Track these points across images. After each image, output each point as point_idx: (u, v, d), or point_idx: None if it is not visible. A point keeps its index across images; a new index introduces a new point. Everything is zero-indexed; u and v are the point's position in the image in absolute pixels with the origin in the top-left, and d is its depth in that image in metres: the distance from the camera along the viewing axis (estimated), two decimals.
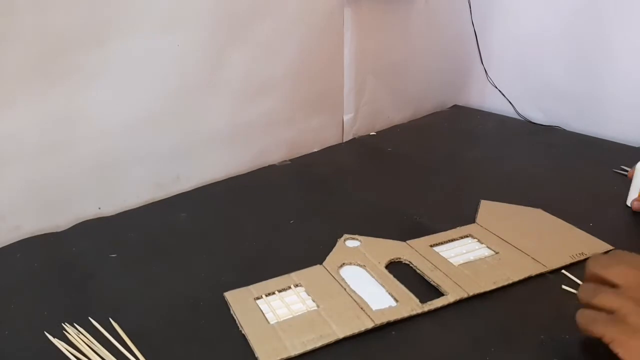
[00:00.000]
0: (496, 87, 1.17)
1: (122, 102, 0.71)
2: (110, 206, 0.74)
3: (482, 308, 0.53)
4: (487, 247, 0.63)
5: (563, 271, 0.58)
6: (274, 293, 0.55)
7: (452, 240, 0.64)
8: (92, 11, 0.65)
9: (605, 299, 0.42)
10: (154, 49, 0.71)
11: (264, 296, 0.54)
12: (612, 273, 0.43)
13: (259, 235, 0.67)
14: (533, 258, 0.60)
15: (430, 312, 0.52)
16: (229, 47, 0.79)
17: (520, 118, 1.14)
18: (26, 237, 0.67)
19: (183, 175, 0.81)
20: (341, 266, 0.60)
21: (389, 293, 0.55)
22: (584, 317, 0.43)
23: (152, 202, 0.77)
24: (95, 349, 0.48)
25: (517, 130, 1.07)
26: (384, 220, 0.70)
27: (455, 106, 1.21)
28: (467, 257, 0.61)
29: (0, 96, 0.62)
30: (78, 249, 0.65)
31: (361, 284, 0.56)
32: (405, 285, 0.56)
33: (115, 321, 0.51)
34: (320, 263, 0.60)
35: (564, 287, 0.56)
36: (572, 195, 0.77)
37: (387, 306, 0.53)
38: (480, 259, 0.60)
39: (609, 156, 0.89)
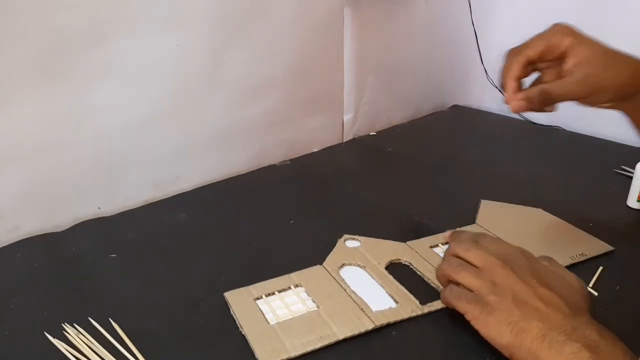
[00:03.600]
0: (496, 87, 1.16)
1: (122, 102, 0.71)
2: (110, 206, 0.74)
3: None
4: None
5: None
6: (274, 293, 0.55)
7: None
8: (92, 11, 0.65)
9: (467, 277, 0.47)
10: (154, 49, 0.71)
11: (264, 296, 0.54)
12: (472, 256, 0.48)
13: (259, 235, 0.67)
14: None
15: (430, 313, 0.52)
16: (229, 47, 0.79)
17: (521, 118, 1.13)
18: (26, 237, 0.67)
19: (183, 176, 0.80)
20: (341, 267, 0.59)
21: (389, 294, 0.55)
22: (451, 293, 0.48)
23: (152, 202, 0.77)
24: (95, 349, 0.48)
25: (517, 130, 1.07)
26: (384, 220, 0.70)
27: (455, 106, 1.21)
28: None
29: (0, 96, 0.62)
30: (78, 249, 0.65)
31: (361, 285, 0.56)
32: (406, 287, 0.56)
33: (115, 321, 0.51)
34: (320, 263, 0.60)
35: None
36: (572, 195, 0.77)
37: (387, 307, 0.53)
38: None
39: (609, 156, 0.89)
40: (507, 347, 0.43)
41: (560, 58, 0.54)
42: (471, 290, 0.47)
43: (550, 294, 0.44)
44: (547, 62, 0.55)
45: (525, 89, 0.53)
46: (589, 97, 0.53)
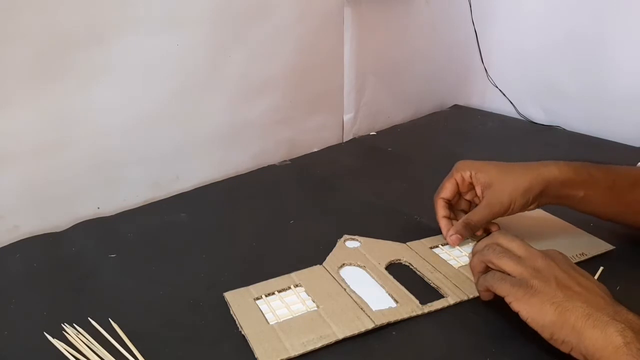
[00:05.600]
0: (497, 87, 1.16)
1: (121, 101, 0.71)
2: (110, 206, 0.74)
3: (482, 310, 0.53)
4: None
5: None
6: (273, 293, 0.55)
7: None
8: (92, 11, 0.65)
9: (510, 263, 0.48)
10: (154, 48, 0.71)
11: (263, 296, 0.54)
12: (515, 245, 0.50)
13: (259, 235, 0.67)
14: None
15: (430, 313, 0.52)
16: (229, 46, 0.79)
17: (521, 118, 1.14)
18: (25, 237, 0.67)
19: (183, 175, 0.80)
20: (341, 267, 0.59)
21: (389, 294, 0.55)
22: (493, 277, 0.49)
23: (152, 202, 0.77)
24: (94, 349, 0.48)
25: (517, 130, 1.07)
26: (384, 220, 0.70)
27: (455, 106, 1.21)
28: (467, 259, 0.60)
29: (0, 96, 0.61)
30: (77, 249, 0.65)
31: (361, 285, 0.56)
32: (405, 287, 0.55)
33: (115, 321, 0.51)
34: (320, 263, 0.60)
35: None
36: None
37: (387, 307, 0.53)
38: None
39: (609, 156, 0.89)
40: (550, 325, 0.44)
41: (472, 187, 0.63)
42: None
43: (590, 282, 0.46)
44: (469, 192, 0.64)
45: (454, 225, 0.62)
46: (507, 211, 0.59)
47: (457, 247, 0.62)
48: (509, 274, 0.48)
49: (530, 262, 0.48)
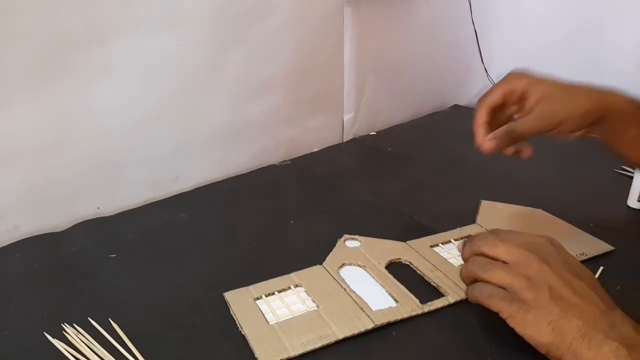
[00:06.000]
0: None
1: (121, 101, 0.71)
2: (110, 206, 0.74)
3: (482, 309, 0.53)
4: None
5: None
6: (273, 293, 0.55)
7: (452, 241, 0.64)
8: (92, 11, 0.65)
9: (498, 275, 0.45)
10: (154, 48, 0.71)
11: (263, 296, 0.54)
12: (501, 251, 0.46)
13: (259, 235, 0.67)
14: None
15: (430, 312, 0.52)
16: (229, 46, 0.79)
17: None
18: (25, 237, 0.67)
19: (183, 175, 0.80)
20: (341, 266, 0.59)
21: (389, 293, 0.55)
22: (481, 292, 0.46)
23: (152, 202, 0.77)
24: (94, 349, 0.48)
25: None
26: (384, 220, 0.70)
27: (455, 106, 1.21)
28: None
29: (0, 96, 0.61)
30: (77, 249, 0.65)
31: (361, 285, 0.56)
32: (406, 286, 0.55)
33: (115, 321, 0.51)
34: (320, 263, 0.60)
35: None
36: (572, 195, 0.77)
37: (387, 307, 0.53)
38: None
39: (608, 156, 0.89)
40: (547, 345, 0.43)
41: (522, 99, 0.58)
42: (502, 287, 0.46)
43: (583, 286, 0.44)
44: (514, 105, 0.59)
45: (495, 131, 0.56)
46: (554, 130, 0.55)
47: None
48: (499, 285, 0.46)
49: (519, 268, 0.45)
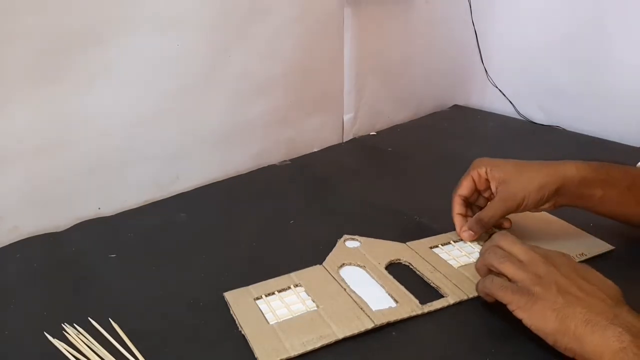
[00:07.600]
0: (496, 87, 1.16)
1: (121, 101, 0.71)
2: (110, 206, 0.74)
3: (482, 310, 0.53)
4: None
5: None
6: (273, 293, 0.55)
7: (452, 242, 0.64)
8: (91, 11, 0.65)
9: (512, 269, 0.48)
10: (154, 48, 0.71)
11: (263, 296, 0.54)
12: (517, 249, 0.50)
13: (259, 235, 0.67)
14: None
15: (430, 313, 0.52)
16: (229, 46, 0.79)
17: (521, 118, 1.14)
18: (25, 237, 0.67)
19: (183, 175, 0.80)
20: (341, 266, 0.59)
21: (389, 294, 0.55)
22: (493, 283, 0.49)
23: (152, 202, 0.77)
24: (94, 349, 0.48)
25: (517, 130, 1.07)
26: (384, 220, 0.70)
27: (455, 106, 1.21)
28: (467, 259, 0.60)
29: (0, 96, 0.62)
30: (77, 249, 0.65)
31: (361, 285, 0.56)
32: (405, 287, 0.55)
33: (115, 321, 0.51)
34: (320, 263, 0.60)
35: None
36: None
37: (387, 307, 0.53)
38: None
39: (609, 156, 0.88)
40: (552, 333, 0.44)
41: (488, 184, 0.63)
42: (513, 282, 0.48)
43: (591, 286, 0.46)
44: (485, 191, 0.64)
45: (468, 222, 0.63)
46: (518, 208, 0.59)
47: (458, 247, 0.62)
48: (510, 279, 0.48)
49: (531, 267, 0.48)
